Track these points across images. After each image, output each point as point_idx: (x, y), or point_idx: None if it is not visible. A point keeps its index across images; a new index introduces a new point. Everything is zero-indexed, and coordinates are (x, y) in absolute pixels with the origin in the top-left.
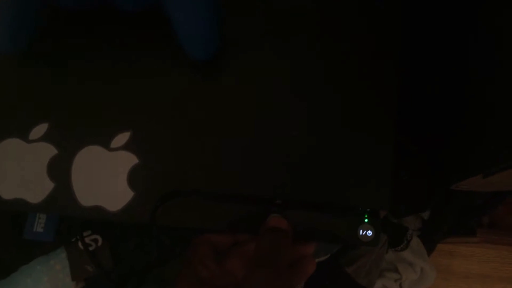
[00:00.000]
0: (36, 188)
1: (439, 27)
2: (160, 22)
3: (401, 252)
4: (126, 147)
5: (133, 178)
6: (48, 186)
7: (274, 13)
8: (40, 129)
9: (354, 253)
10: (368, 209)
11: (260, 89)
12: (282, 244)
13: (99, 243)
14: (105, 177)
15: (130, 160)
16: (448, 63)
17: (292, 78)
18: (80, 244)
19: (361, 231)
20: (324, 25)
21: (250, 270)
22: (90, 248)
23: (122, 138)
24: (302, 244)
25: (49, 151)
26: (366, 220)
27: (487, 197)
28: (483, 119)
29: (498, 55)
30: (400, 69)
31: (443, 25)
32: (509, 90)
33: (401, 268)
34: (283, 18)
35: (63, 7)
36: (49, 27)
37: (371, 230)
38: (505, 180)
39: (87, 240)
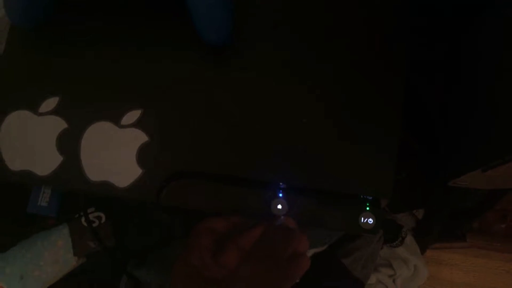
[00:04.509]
0: (44, 161)
1: (443, 32)
2: (177, 6)
3: (396, 248)
4: (136, 124)
5: (142, 156)
6: (56, 159)
7: (285, 4)
8: (50, 103)
9: (351, 246)
10: (370, 198)
11: (270, 76)
12: (281, 240)
13: (102, 220)
14: (114, 153)
15: (140, 137)
16: (450, 65)
17: (302, 69)
18: (83, 220)
19: (362, 218)
20: (334, 17)
21: (248, 262)
22: (93, 225)
23: (133, 115)
24: (298, 241)
25: (59, 124)
26: (367, 209)
27: (479, 201)
28: (484, 115)
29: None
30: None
31: (447, 30)
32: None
33: (395, 264)
34: (293, 10)
35: None
36: (67, 3)
37: (372, 218)
38: (504, 175)
39: (90, 216)
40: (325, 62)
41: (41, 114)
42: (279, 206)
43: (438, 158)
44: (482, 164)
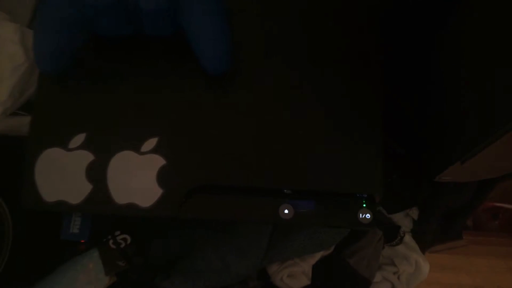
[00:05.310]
0: (76, 190)
1: (419, 36)
2: (182, 46)
3: (396, 247)
4: (154, 150)
5: (161, 177)
6: (86, 188)
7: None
8: (78, 139)
9: (354, 246)
10: (365, 195)
11: (267, 96)
12: None
13: (128, 242)
14: (137, 177)
15: (158, 161)
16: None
17: (295, 86)
18: (111, 243)
19: (360, 214)
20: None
21: None
22: (121, 246)
23: (150, 143)
24: None
25: (87, 157)
26: (364, 205)
27: (469, 197)
28: (457, 114)
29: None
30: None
31: (422, 34)
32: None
33: (397, 261)
34: (282, 36)
35: (102, 34)
36: (85, 49)
37: (369, 214)
38: (482, 164)
39: (117, 239)
40: (314, 78)
41: (70, 150)
42: (286, 211)
43: (422, 157)
44: (458, 157)
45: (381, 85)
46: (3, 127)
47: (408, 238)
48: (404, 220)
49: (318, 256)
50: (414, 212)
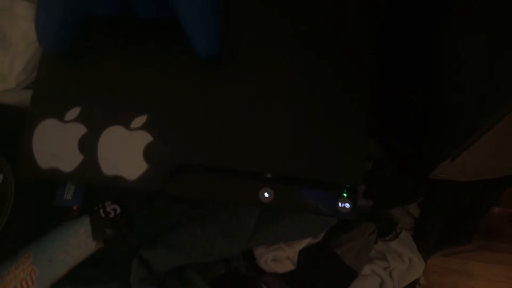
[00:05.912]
0: (68, 159)
1: (413, 34)
2: (175, 27)
3: (390, 242)
4: (143, 127)
5: (148, 153)
6: (78, 158)
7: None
8: (73, 112)
9: (344, 236)
10: (347, 185)
11: (255, 82)
12: None
13: (117, 212)
14: (125, 151)
15: (145, 138)
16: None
17: (283, 76)
18: (101, 211)
19: (340, 203)
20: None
21: None
22: (110, 215)
23: (140, 120)
24: None
25: (80, 130)
26: (344, 195)
27: (476, 199)
28: (446, 114)
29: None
30: (377, 71)
31: (417, 31)
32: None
33: (389, 257)
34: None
35: (98, 15)
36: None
37: (349, 203)
38: (473, 160)
39: (107, 208)
40: (301, 66)
41: (66, 122)
42: (266, 194)
43: (419, 153)
44: (448, 153)
45: (371, 76)
46: (16, 99)
47: (404, 235)
48: (405, 217)
49: (304, 243)
50: (415, 210)
